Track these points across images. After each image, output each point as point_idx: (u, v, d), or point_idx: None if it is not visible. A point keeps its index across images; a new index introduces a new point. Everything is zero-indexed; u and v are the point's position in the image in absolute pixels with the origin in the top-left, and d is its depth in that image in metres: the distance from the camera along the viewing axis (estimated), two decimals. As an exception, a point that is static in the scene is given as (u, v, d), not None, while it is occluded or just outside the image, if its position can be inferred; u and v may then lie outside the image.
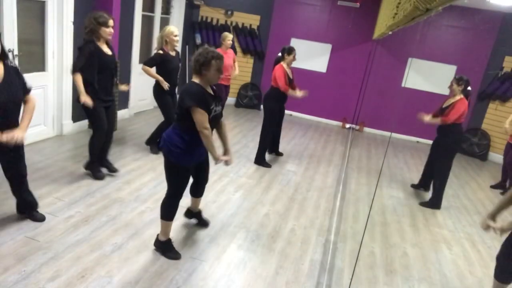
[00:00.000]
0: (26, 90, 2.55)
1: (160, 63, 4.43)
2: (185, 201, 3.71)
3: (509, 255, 2.60)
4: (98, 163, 3.92)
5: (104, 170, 3.99)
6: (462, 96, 4.29)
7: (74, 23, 4.72)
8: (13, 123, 2.49)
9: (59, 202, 3.34)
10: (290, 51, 4.91)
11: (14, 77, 2.44)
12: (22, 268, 2.48)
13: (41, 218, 3.03)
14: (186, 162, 2.70)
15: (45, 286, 2.37)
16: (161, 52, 4.41)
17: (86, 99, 3.46)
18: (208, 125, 2.57)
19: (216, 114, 2.71)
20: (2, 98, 2.27)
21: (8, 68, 2.40)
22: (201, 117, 2.53)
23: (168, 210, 2.81)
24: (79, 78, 3.46)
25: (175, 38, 4.43)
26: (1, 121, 2.42)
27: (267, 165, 5.09)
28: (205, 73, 2.58)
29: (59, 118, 4.91)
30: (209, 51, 2.57)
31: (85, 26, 3.52)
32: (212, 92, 2.70)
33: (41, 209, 3.17)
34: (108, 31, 3.55)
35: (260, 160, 5.10)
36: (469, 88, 4.33)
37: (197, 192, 3.16)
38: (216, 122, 2.77)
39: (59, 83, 4.77)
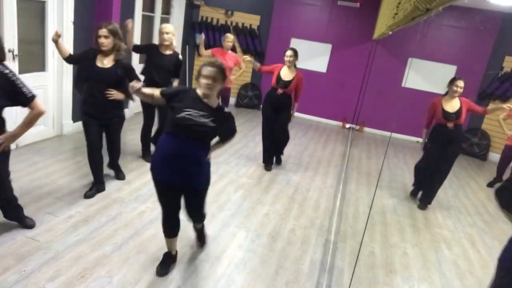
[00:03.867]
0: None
1: (147, 52, 4.30)
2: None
3: None
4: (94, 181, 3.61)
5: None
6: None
7: (74, 23, 4.71)
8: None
9: (59, 202, 3.34)
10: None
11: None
12: (22, 268, 2.48)
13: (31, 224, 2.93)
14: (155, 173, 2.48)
15: (45, 286, 2.37)
16: (155, 44, 4.35)
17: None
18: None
19: (191, 119, 2.32)
20: None
21: None
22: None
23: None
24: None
25: (164, 37, 4.16)
26: None
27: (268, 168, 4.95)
28: (199, 81, 2.41)
29: (59, 118, 4.91)
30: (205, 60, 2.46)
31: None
32: (207, 103, 2.42)
33: (41, 209, 3.17)
34: (100, 42, 3.20)
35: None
36: None
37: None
38: (189, 130, 2.33)
39: (59, 83, 4.77)
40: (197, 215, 2.72)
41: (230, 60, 5.44)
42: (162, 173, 2.43)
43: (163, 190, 2.51)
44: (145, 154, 4.60)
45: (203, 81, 2.37)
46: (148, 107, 4.39)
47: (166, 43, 4.20)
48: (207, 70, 2.36)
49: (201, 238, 3.03)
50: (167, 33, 4.16)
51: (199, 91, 2.43)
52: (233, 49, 8.06)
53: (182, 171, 2.39)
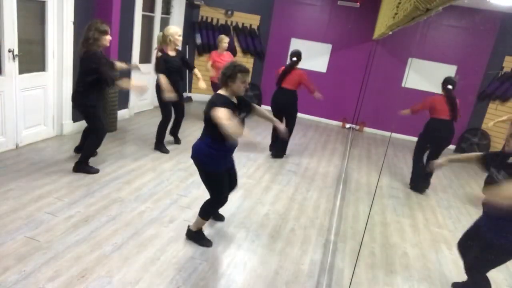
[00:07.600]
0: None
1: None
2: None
3: (468, 247, 2.76)
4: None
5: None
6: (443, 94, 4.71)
7: (74, 23, 4.71)
8: None
9: (59, 202, 3.34)
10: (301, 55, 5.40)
11: None
12: (22, 268, 2.48)
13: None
14: (220, 168, 2.86)
15: (45, 286, 2.37)
16: (160, 54, 4.54)
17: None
18: (227, 117, 2.54)
19: (242, 119, 2.87)
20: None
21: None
22: (220, 112, 2.55)
23: (209, 213, 3.05)
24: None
25: (179, 38, 4.58)
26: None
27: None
28: (230, 85, 2.75)
29: (59, 118, 4.91)
30: (235, 65, 2.76)
31: (87, 37, 3.61)
32: (236, 102, 2.86)
33: (41, 209, 3.17)
34: (108, 39, 3.74)
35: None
36: (448, 86, 4.65)
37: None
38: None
39: (59, 83, 4.76)
40: (233, 190, 3.21)
41: (227, 59, 5.79)
42: (226, 163, 2.94)
43: (225, 176, 2.96)
44: (161, 146, 4.98)
45: (243, 86, 2.78)
46: (167, 105, 4.79)
47: (179, 44, 4.69)
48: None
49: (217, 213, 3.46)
50: (180, 35, 4.61)
51: (231, 94, 2.80)
52: (233, 48, 8.08)
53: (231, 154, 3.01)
